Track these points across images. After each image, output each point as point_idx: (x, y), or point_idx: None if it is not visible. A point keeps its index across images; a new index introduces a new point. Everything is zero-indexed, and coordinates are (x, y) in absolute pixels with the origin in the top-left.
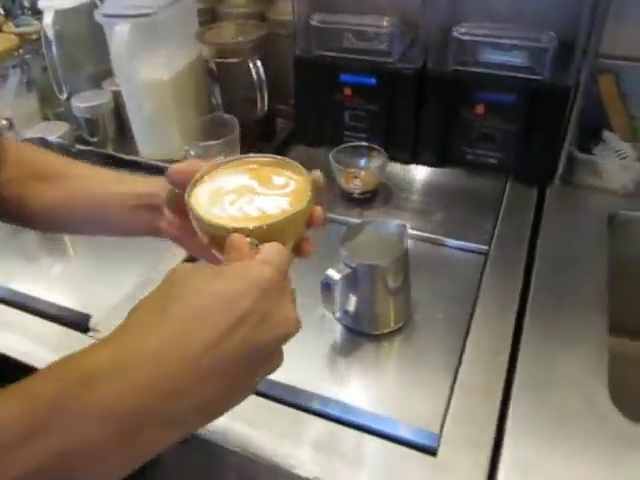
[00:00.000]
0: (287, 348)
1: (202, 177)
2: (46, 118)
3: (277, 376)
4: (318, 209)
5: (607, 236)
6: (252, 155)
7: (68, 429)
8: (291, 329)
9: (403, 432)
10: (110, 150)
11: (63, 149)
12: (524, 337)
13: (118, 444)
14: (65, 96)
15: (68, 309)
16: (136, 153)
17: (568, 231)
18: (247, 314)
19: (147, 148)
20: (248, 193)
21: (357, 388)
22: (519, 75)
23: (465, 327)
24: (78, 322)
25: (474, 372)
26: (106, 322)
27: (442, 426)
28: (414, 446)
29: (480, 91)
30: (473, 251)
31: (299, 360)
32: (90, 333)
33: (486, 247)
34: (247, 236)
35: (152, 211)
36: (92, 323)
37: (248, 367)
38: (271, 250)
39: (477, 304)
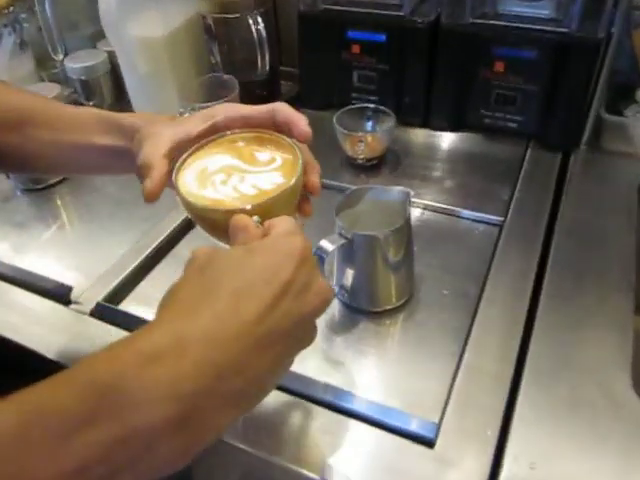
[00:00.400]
0: None
1: (185, 161)
2: (42, 80)
3: None
4: (314, 179)
5: (637, 208)
6: (232, 132)
7: (129, 412)
8: (329, 296)
9: (399, 421)
10: None
11: None
12: (539, 318)
13: (180, 426)
14: (61, 57)
15: (50, 280)
16: None
17: (593, 202)
18: (288, 285)
19: (144, 111)
20: (237, 172)
21: (352, 371)
22: (543, 28)
23: (474, 305)
24: (60, 294)
25: (481, 356)
26: (88, 294)
27: (442, 415)
28: (411, 436)
29: (499, 47)
30: (487, 222)
31: None
32: (72, 306)
33: (501, 218)
34: (250, 215)
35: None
36: (73, 295)
37: (293, 339)
38: (287, 223)
39: (488, 280)
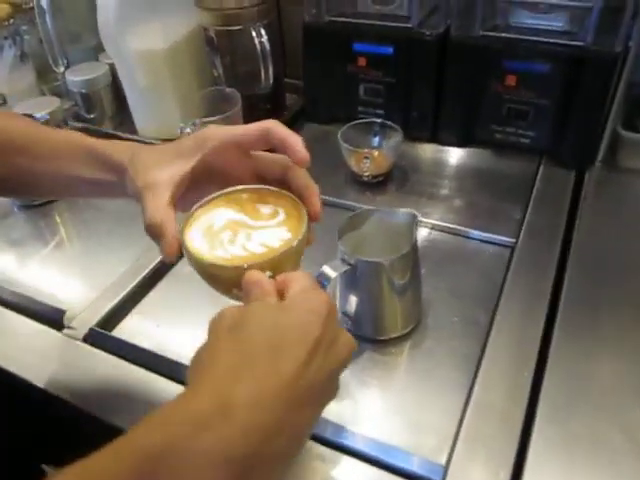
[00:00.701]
0: None
1: (188, 221)
2: (43, 93)
3: None
4: (314, 206)
5: None
6: (233, 189)
7: (181, 478)
8: (354, 346)
9: (403, 461)
10: (108, 128)
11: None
12: (552, 348)
13: None
14: (62, 69)
15: (42, 303)
16: (136, 131)
17: (610, 223)
18: (319, 341)
19: (145, 126)
20: (243, 228)
21: (355, 404)
22: (557, 41)
23: (484, 333)
24: (53, 318)
25: (492, 390)
26: (82, 318)
27: (450, 456)
28: (415, 479)
29: (511, 60)
30: (498, 243)
31: None
32: (65, 331)
33: (513, 240)
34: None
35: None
36: (66, 319)
37: (326, 391)
38: (305, 279)
39: (499, 307)
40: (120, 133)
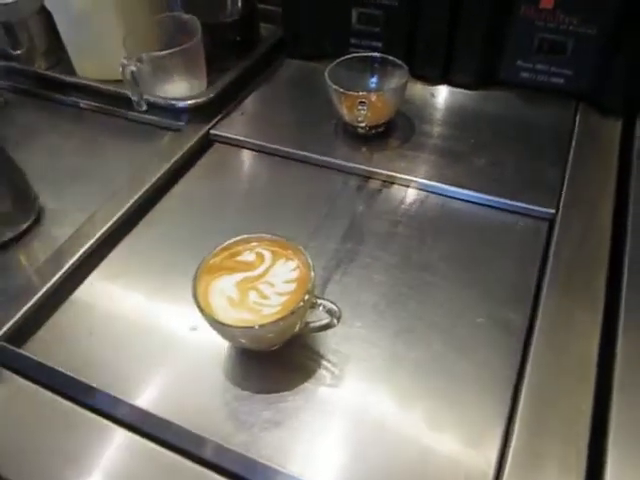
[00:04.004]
0: None
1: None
2: None
3: None
4: None
5: None
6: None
7: None
8: None
9: None
10: (40, 68)
11: None
12: (619, 358)
13: None
14: None
15: None
16: (74, 72)
17: None
18: None
19: (83, 64)
20: (254, 283)
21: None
22: None
23: (521, 342)
24: None
25: (539, 434)
26: None
27: None
28: None
29: None
30: (532, 215)
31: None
32: None
33: (552, 210)
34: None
35: None
36: None
37: None
38: None
39: (540, 304)
40: (55, 74)
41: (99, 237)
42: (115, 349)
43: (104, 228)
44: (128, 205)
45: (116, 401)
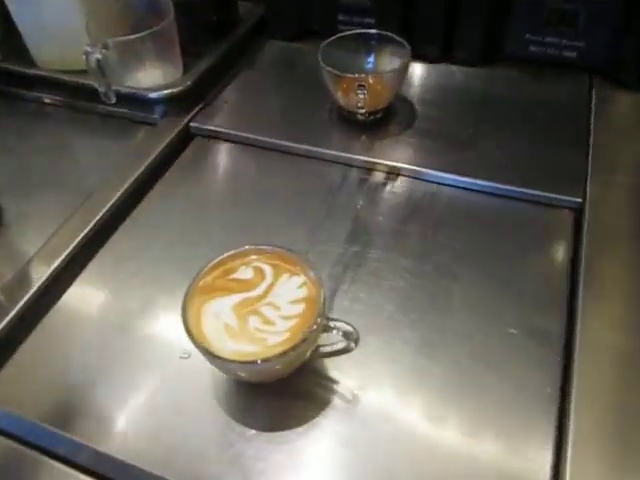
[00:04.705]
0: None
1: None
2: None
3: None
4: None
5: None
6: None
7: None
8: None
9: None
10: None
11: None
12: None
13: None
14: None
15: None
16: (32, 62)
17: None
18: None
19: (42, 53)
20: (253, 306)
21: None
22: None
23: (559, 354)
24: None
25: (590, 455)
26: None
27: None
28: None
29: None
30: (557, 205)
31: None
32: None
33: (578, 199)
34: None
35: None
36: None
37: None
38: None
39: (577, 306)
40: (11, 66)
41: (71, 251)
42: (92, 384)
43: (77, 239)
44: (103, 211)
45: (91, 451)
